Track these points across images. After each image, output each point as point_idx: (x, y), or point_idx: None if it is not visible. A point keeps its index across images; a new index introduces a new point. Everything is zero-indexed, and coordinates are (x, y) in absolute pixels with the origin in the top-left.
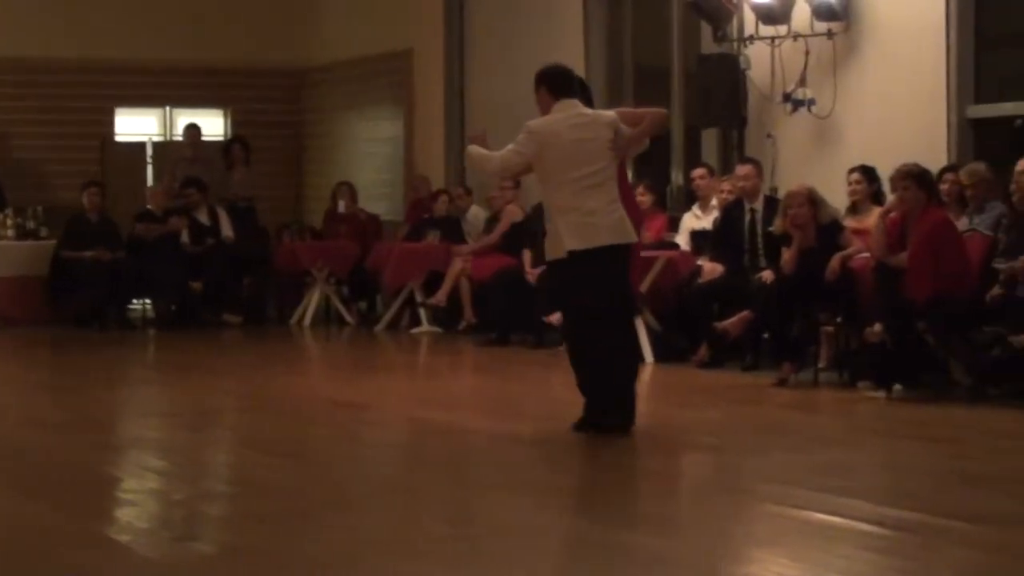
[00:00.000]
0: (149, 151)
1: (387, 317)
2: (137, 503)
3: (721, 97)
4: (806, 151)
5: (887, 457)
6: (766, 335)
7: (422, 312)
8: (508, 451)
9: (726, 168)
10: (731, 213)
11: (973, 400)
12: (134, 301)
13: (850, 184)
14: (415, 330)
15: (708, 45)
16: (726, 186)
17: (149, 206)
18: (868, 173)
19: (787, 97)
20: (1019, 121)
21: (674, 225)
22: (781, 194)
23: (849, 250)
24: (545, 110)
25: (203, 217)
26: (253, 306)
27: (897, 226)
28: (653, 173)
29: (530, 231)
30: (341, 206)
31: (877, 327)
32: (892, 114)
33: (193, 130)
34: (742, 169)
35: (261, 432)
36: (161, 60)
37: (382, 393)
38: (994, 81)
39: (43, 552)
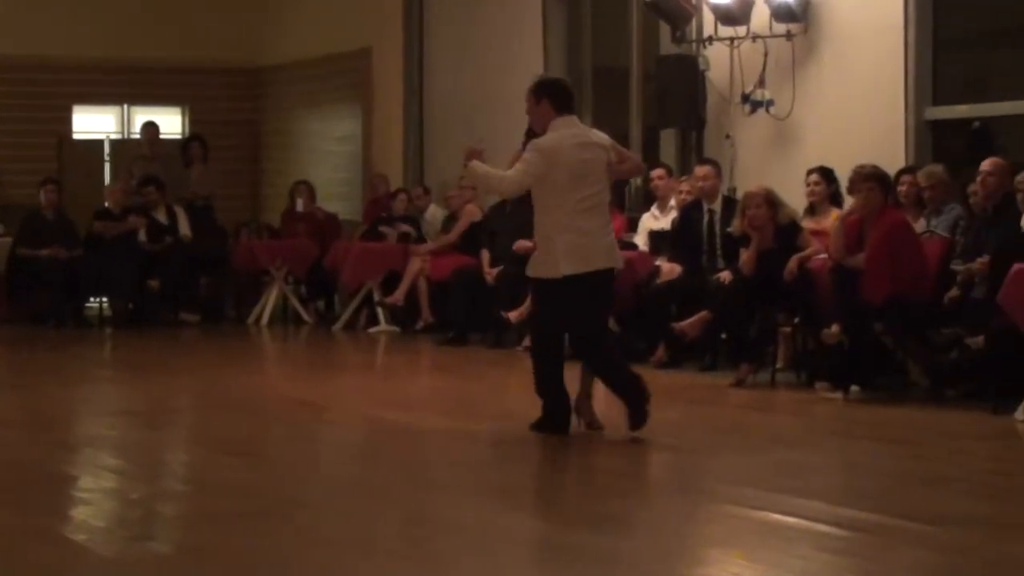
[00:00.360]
0: (107, 149)
1: (345, 316)
2: (93, 502)
3: (680, 98)
4: (764, 152)
5: (844, 458)
6: (724, 336)
7: (380, 311)
8: (465, 451)
9: (685, 169)
10: (689, 214)
11: (930, 401)
12: (91, 299)
13: (809, 185)
14: (373, 329)
15: (667, 46)
16: (684, 187)
17: (107, 204)
18: (827, 174)
19: (746, 98)
20: (977, 123)
21: (632, 225)
22: (739, 195)
23: (807, 251)
24: (540, 122)
25: (161, 216)
26: (211, 305)
27: (855, 227)
28: None
29: (488, 231)
30: (299, 205)
31: (835, 328)
32: (850, 115)
33: (151, 128)
34: (701, 170)
35: (218, 431)
36: (119, 58)
37: (339, 392)
38: (952, 83)
39: (1, 550)
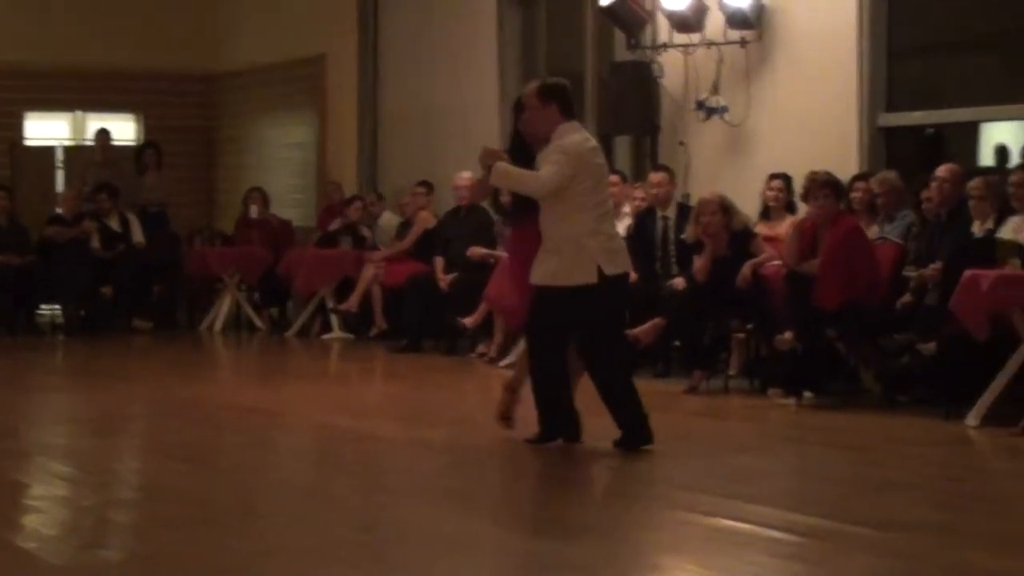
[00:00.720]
0: (59, 156)
1: (298, 323)
2: (44, 510)
3: (634, 104)
4: (719, 159)
5: (797, 464)
6: (677, 342)
7: (333, 318)
8: (420, 458)
9: (639, 175)
10: (644, 220)
11: (882, 407)
12: (43, 306)
13: (772, 190)
14: (326, 336)
15: (622, 52)
16: (639, 193)
17: (59, 210)
18: (788, 181)
19: (700, 105)
20: (930, 130)
21: None
22: (693, 201)
23: (760, 258)
24: (544, 126)
25: (114, 222)
26: (163, 312)
27: (809, 234)
28: None
29: (442, 237)
30: (253, 212)
31: (788, 334)
32: (804, 122)
33: (103, 135)
34: (655, 176)
35: (171, 438)
36: (72, 64)
37: (293, 399)
38: (905, 90)
39: None
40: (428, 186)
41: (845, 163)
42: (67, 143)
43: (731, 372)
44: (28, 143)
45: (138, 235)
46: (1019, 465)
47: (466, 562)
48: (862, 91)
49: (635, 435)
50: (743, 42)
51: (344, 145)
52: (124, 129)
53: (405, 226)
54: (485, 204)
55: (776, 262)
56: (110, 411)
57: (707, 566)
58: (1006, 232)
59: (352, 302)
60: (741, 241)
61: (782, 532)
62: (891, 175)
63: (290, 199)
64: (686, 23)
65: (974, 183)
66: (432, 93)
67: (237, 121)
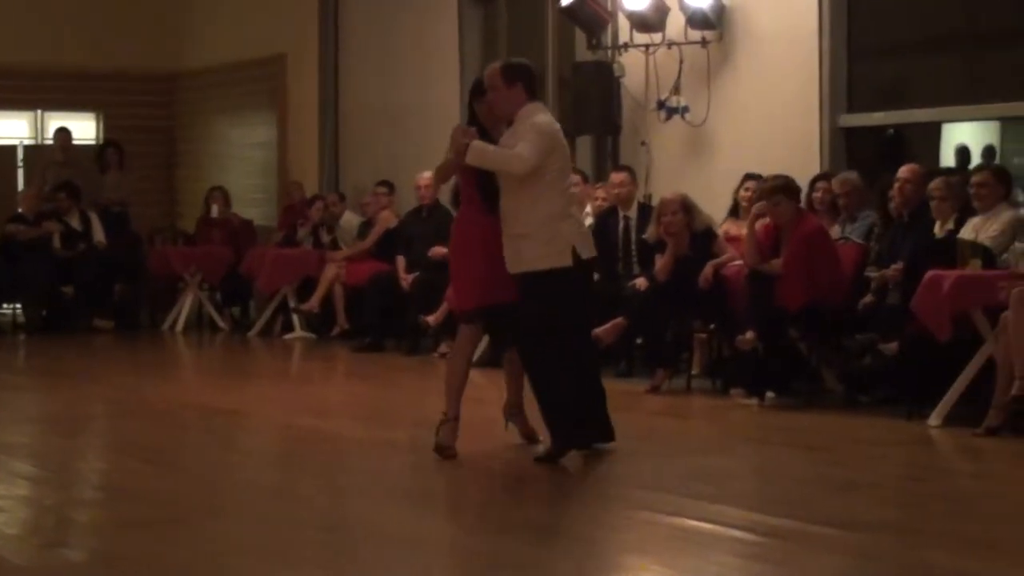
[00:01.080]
0: (20, 155)
1: (260, 323)
2: (6, 509)
3: (595, 104)
4: (680, 159)
5: (759, 464)
6: (639, 342)
7: (295, 318)
8: (383, 458)
9: (600, 175)
10: (605, 220)
11: (845, 407)
12: (4, 305)
13: (747, 190)
14: (288, 336)
15: (583, 52)
16: (600, 193)
17: (20, 210)
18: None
19: (661, 105)
20: (891, 131)
21: None
22: (655, 201)
23: (723, 258)
24: (508, 107)
25: (75, 222)
26: (125, 311)
27: (769, 234)
28: None
29: (404, 237)
30: (214, 211)
31: (749, 335)
32: (765, 122)
33: (63, 134)
34: (616, 176)
35: (133, 438)
36: (32, 63)
37: (255, 399)
38: (866, 91)
39: None
40: (389, 186)
41: (806, 163)
42: (27, 142)
43: (693, 372)
44: None
45: (99, 234)
46: (981, 465)
47: (430, 562)
48: (823, 91)
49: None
50: (704, 42)
51: (305, 145)
52: (85, 128)
53: (367, 226)
54: (445, 201)
55: (738, 262)
56: (72, 411)
57: (671, 566)
58: (967, 233)
59: (314, 302)
60: (703, 241)
61: (745, 532)
62: (852, 175)
63: (251, 199)
64: (647, 23)
65: (935, 184)
66: (393, 92)
67: (198, 120)
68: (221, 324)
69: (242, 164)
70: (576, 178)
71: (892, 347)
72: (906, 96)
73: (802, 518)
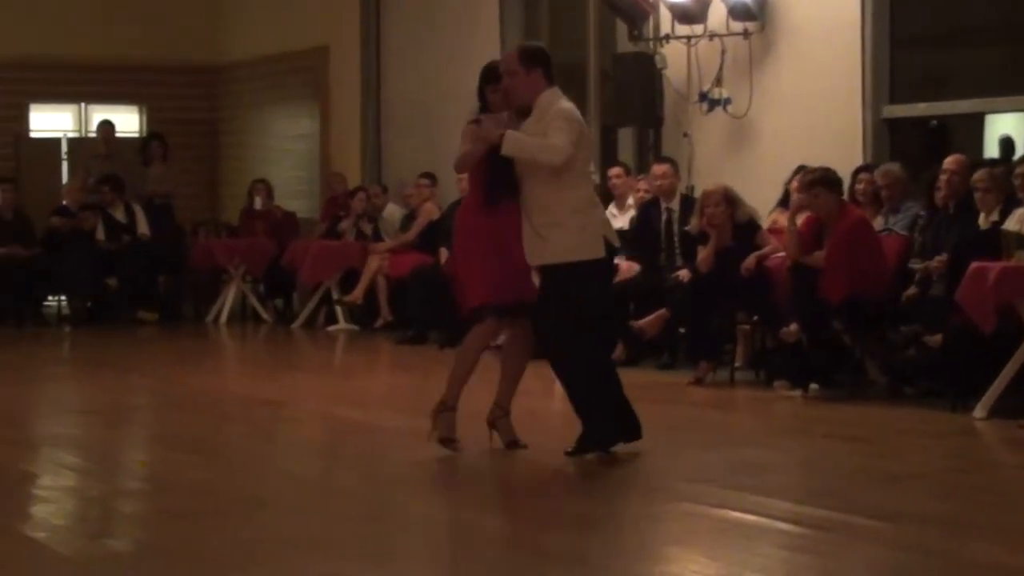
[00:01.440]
0: (64, 148)
1: (303, 315)
2: (52, 500)
3: (637, 96)
4: (722, 150)
5: (803, 456)
6: (683, 333)
7: (338, 310)
8: (425, 449)
9: (642, 167)
10: (648, 212)
11: (888, 399)
12: (49, 298)
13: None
14: (331, 328)
15: (624, 44)
16: (642, 185)
17: (64, 202)
18: None
19: (703, 96)
20: (934, 122)
21: None
22: (697, 193)
23: (765, 249)
24: (528, 93)
25: (119, 214)
26: (169, 303)
27: (812, 226)
28: None
29: (447, 229)
30: (257, 203)
31: (793, 327)
32: (808, 114)
33: (107, 127)
34: (659, 168)
35: (177, 429)
36: (76, 56)
37: (298, 391)
38: (909, 81)
39: None
40: (432, 178)
41: (849, 155)
42: (71, 135)
43: (737, 364)
44: (33, 135)
45: (143, 227)
46: None
47: (471, 554)
48: (865, 82)
49: (600, 434)
50: (746, 33)
51: (347, 136)
52: (128, 121)
53: (409, 218)
54: None
55: (781, 254)
56: (116, 402)
57: (715, 557)
58: (1012, 224)
59: (357, 293)
60: (746, 233)
61: (789, 524)
62: (894, 167)
63: (294, 191)
64: (689, 14)
65: (979, 175)
66: (435, 84)
67: (241, 113)
68: (264, 316)
69: (285, 156)
70: (618, 170)
71: (936, 339)
72: (949, 87)
73: (846, 510)
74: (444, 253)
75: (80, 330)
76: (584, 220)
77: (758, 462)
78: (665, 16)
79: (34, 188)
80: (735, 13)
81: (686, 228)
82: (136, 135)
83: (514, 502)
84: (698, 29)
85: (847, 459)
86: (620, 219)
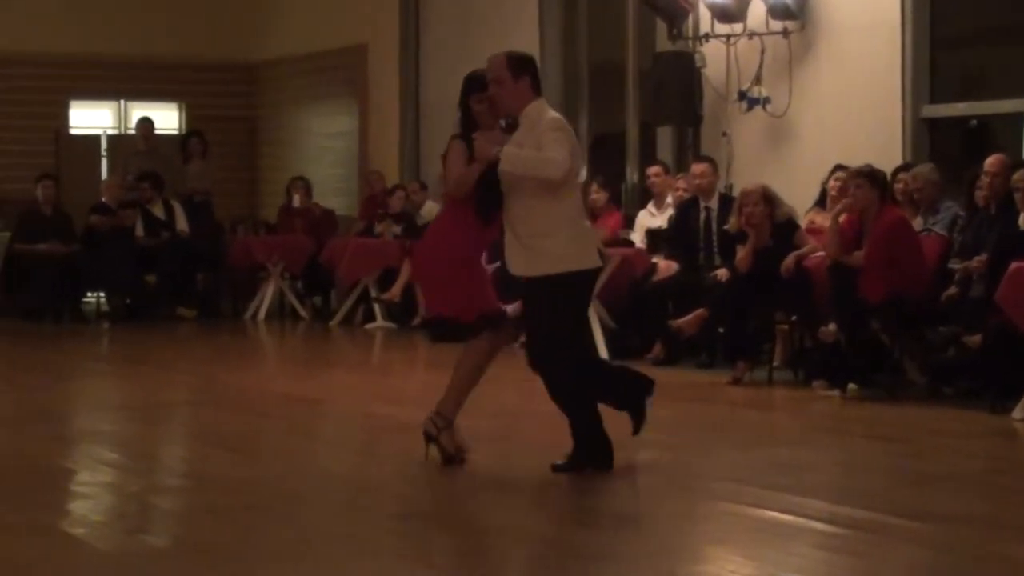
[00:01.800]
0: (103, 144)
1: (341, 312)
2: (91, 496)
3: (676, 95)
4: (761, 149)
5: (841, 456)
6: (721, 333)
7: (377, 307)
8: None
9: (681, 166)
10: (686, 211)
11: (927, 399)
12: (88, 294)
13: (836, 179)
14: (369, 325)
15: (663, 43)
16: (681, 184)
17: (103, 199)
18: None
19: (742, 95)
20: (974, 122)
21: (629, 223)
22: (736, 192)
23: (804, 249)
24: (515, 103)
25: (158, 211)
26: (207, 300)
27: (853, 225)
28: (608, 171)
29: None
30: (295, 201)
31: (832, 326)
32: (847, 113)
33: (146, 124)
34: (697, 167)
35: (215, 426)
36: (116, 53)
37: (336, 388)
38: (949, 81)
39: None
40: None
41: (888, 154)
42: (111, 132)
43: (775, 363)
44: (73, 132)
45: (182, 223)
46: None
47: (509, 552)
48: (905, 82)
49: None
50: (785, 32)
51: (386, 134)
52: (167, 118)
53: None
54: None
55: (820, 254)
56: (155, 398)
57: (752, 557)
58: None
59: (395, 291)
60: (784, 232)
61: (826, 524)
62: (925, 169)
63: (332, 188)
64: (728, 13)
65: (1018, 175)
66: None
67: (279, 110)
68: (302, 313)
69: (323, 154)
70: (657, 169)
71: (975, 339)
72: (989, 86)
73: (883, 510)
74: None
75: (119, 327)
76: (576, 230)
77: (796, 462)
78: (704, 15)
79: (74, 185)
80: (775, 12)
81: (725, 227)
82: (175, 132)
83: (550, 500)
84: (737, 28)
85: (885, 459)
86: (659, 218)
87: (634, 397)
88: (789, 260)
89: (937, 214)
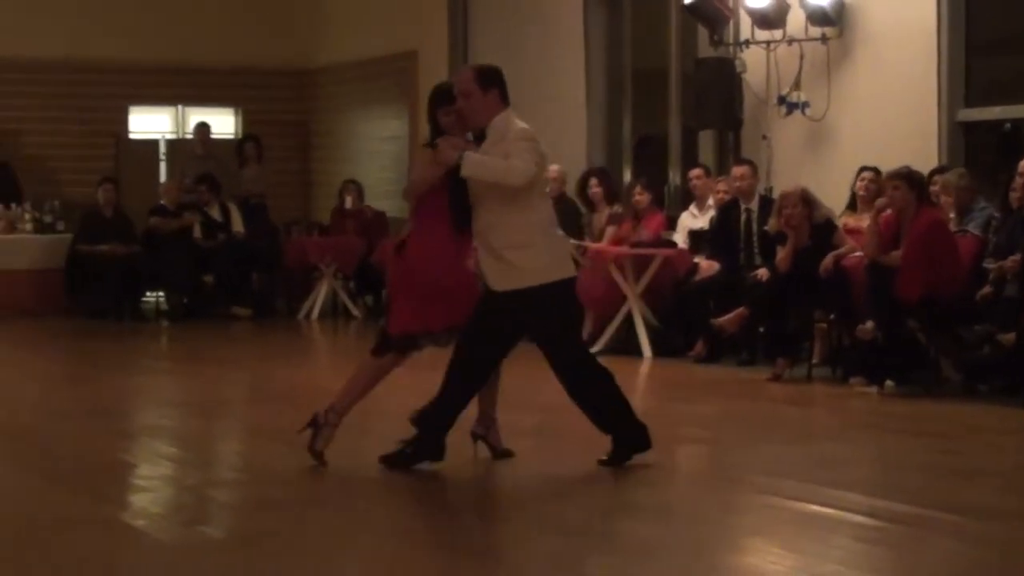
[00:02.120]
0: (162, 149)
1: None
2: (150, 489)
3: (717, 100)
4: (800, 152)
5: (879, 451)
6: (762, 331)
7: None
8: (509, 442)
9: (722, 169)
10: (727, 212)
11: (962, 396)
12: (148, 294)
13: (863, 181)
14: None
15: (705, 49)
16: (722, 186)
17: (162, 202)
18: (879, 174)
19: (782, 100)
20: (1008, 125)
21: (672, 224)
22: (776, 194)
23: (842, 249)
24: (483, 115)
25: (215, 213)
26: (262, 299)
27: (891, 226)
28: (651, 173)
29: None
30: (348, 203)
31: (869, 324)
32: (884, 117)
33: (203, 128)
34: (738, 170)
35: (270, 421)
36: (174, 60)
37: (388, 384)
38: (984, 85)
39: (61, 536)
40: None
41: (925, 157)
42: (169, 136)
43: (814, 361)
44: (132, 137)
45: (238, 225)
46: None
47: (555, 542)
48: (941, 86)
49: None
50: (824, 38)
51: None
52: (224, 123)
53: None
54: (571, 193)
55: (858, 254)
56: (212, 394)
57: (792, 549)
58: None
59: None
60: (823, 233)
61: (865, 517)
62: (952, 176)
63: (383, 191)
64: (768, 20)
65: None
66: (520, 88)
67: (332, 115)
68: (355, 312)
69: (374, 157)
70: (698, 172)
71: (1009, 337)
72: (1023, 91)
73: (921, 504)
74: None
75: (177, 325)
76: (549, 240)
77: (835, 456)
78: (745, 21)
79: (133, 188)
80: (813, 19)
81: (765, 228)
82: (231, 137)
83: (595, 492)
84: (777, 34)
85: (922, 454)
86: (700, 219)
87: (627, 436)
88: (828, 260)
89: (972, 215)
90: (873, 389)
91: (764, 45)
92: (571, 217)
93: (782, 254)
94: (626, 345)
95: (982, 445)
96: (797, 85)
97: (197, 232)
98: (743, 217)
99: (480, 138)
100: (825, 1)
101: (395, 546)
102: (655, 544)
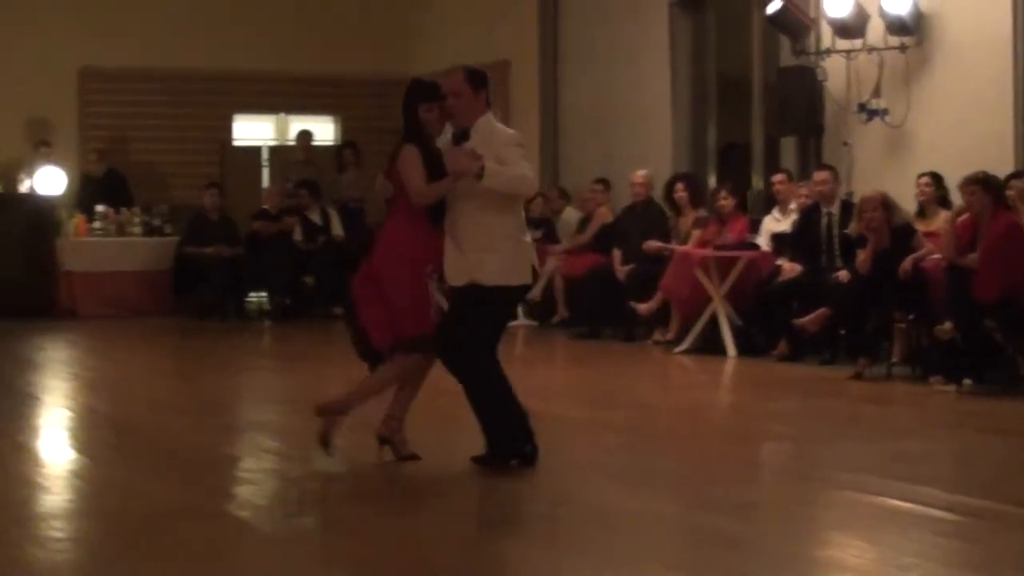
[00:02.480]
0: (265, 155)
1: None
2: (255, 482)
3: (799, 107)
4: (880, 158)
5: (957, 448)
6: (842, 331)
7: (518, 307)
8: (601, 438)
9: (804, 174)
10: (809, 216)
11: None
12: (251, 294)
13: (919, 187)
14: (512, 324)
15: (787, 58)
16: (804, 191)
17: (265, 206)
18: (936, 178)
19: (862, 107)
20: None
21: (755, 227)
22: (856, 199)
23: (921, 252)
24: (471, 115)
25: (315, 217)
26: None
27: (968, 229)
28: (735, 178)
29: (619, 231)
30: None
31: (948, 325)
32: (961, 123)
33: (305, 136)
34: (819, 175)
35: (368, 417)
36: (277, 70)
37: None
38: None
39: (171, 525)
40: (605, 183)
41: (1001, 162)
42: (272, 143)
43: (894, 360)
44: (236, 143)
45: (337, 228)
46: None
47: (645, 537)
48: (1017, 93)
49: (504, 448)
50: (903, 48)
51: (527, 144)
52: (324, 130)
53: (585, 221)
54: (657, 198)
55: (936, 256)
56: (313, 391)
57: (873, 543)
58: None
59: (535, 292)
60: (902, 236)
61: (943, 511)
62: (1020, 183)
63: None
64: (848, 30)
65: None
66: (608, 96)
67: None
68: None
69: None
70: (781, 176)
71: None
72: None
73: (998, 499)
74: (617, 254)
75: (279, 324)
76: (517, 245)
77: (914, 453)
78: (826, 31)
79: (237, 192)
80: (892, 28)
81: (846, 231)
82: (331, 143)
83: (684, 488)
84: (857, 43)
85: (999, 451)
86: (783, 223)
87: (509, 440)
88: (907, 262)
89: None
90: (951, 387)
91: (844, 54)
92: (657, 221)
93: (862, 256)
94: (711, 344)
95: None
96: (877, 93)
97: (298, 235)
98: (824, 221)
99: (462, 137)
100: (904, 11)
101: (490, 539)
102: (739, 539)
